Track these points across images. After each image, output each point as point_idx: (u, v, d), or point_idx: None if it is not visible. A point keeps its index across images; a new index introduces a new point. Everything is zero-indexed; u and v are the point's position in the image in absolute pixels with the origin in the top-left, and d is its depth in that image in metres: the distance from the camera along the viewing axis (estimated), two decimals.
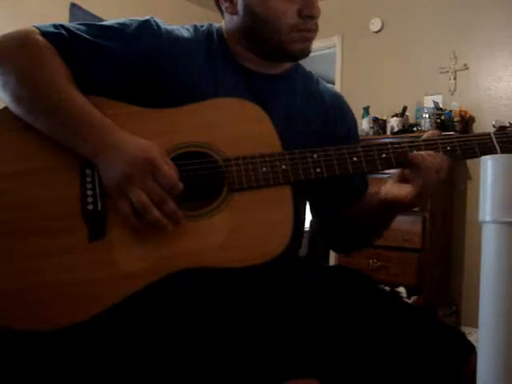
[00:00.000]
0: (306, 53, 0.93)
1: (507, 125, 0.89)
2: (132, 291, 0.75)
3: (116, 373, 0.73)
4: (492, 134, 0.85)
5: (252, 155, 0.82)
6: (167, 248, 0.77)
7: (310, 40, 0.92)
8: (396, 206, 0.85)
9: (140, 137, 0.79)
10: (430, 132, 0.88)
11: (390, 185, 0.86)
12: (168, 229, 0.76)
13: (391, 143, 0.85)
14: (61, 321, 0.74)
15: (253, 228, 0.79)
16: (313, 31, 0.91)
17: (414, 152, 0.83)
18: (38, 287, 0.75)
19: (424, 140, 0.85)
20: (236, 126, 0.84)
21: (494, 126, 0.90)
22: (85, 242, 0.77)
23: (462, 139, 0.85)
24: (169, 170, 0.76)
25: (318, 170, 0.83)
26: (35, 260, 0.75)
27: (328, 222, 1.08)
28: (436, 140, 0.85)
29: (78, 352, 0.73)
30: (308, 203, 1.09)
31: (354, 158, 0.84)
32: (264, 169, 0.81)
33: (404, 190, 0.82)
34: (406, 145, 0.84)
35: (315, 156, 0.83)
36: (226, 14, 0.94)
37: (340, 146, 0.85)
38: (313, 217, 1.13)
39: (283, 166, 0.82)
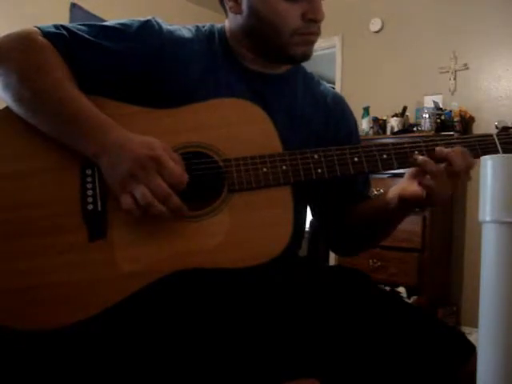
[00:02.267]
0: (307, 56, 0.92)
1: (510, 125, 0.89)
2: (131, 291, 0.75)
3: (115, 372, 0.73)
4: (494, 136, 0.85)
5: (252, 156, 0.81)
6: (167, 248, 0.77)
7: (312, 43, 0.92)
8: (413, 204, 0.85)
9: None
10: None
11: (406, 182, 0.86)
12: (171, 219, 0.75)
13: (393, 144, 0.85)
14: (61, 320, 0.74)
15: (252, 228, 0.79)
16: (316, 35, 0.91)
17: (416, 153, 0.83)
18: (38, 287, 0.75)
19: (424, 141, 0.85)
20: (236, 126, 0.83)
21: (496, 127, 0.90)
22: (85, 242, 0.77)
23: (463, 140, 0.85)
24: (174, 166, 0.75)
25: (319, 170, 0.83)
26: (35, 260, 0.76)
27: (331, 225, 1.07)
28: (437, 141, 0.85)
29: (77, 351, 0.73)
30: (310, 206, 1.09)
31: (356, 159, 0.83)
32: (264, 169, 0.81)
33: (420, 188, 0.82)
34: (407, 145, 0.84)
35: (316, 156, 0.83)
36: (229, 14, 0.94)
37: (341, 146, 0.85)
38: (315, 220, 1.13)
39: (284, 167, 0.82)
